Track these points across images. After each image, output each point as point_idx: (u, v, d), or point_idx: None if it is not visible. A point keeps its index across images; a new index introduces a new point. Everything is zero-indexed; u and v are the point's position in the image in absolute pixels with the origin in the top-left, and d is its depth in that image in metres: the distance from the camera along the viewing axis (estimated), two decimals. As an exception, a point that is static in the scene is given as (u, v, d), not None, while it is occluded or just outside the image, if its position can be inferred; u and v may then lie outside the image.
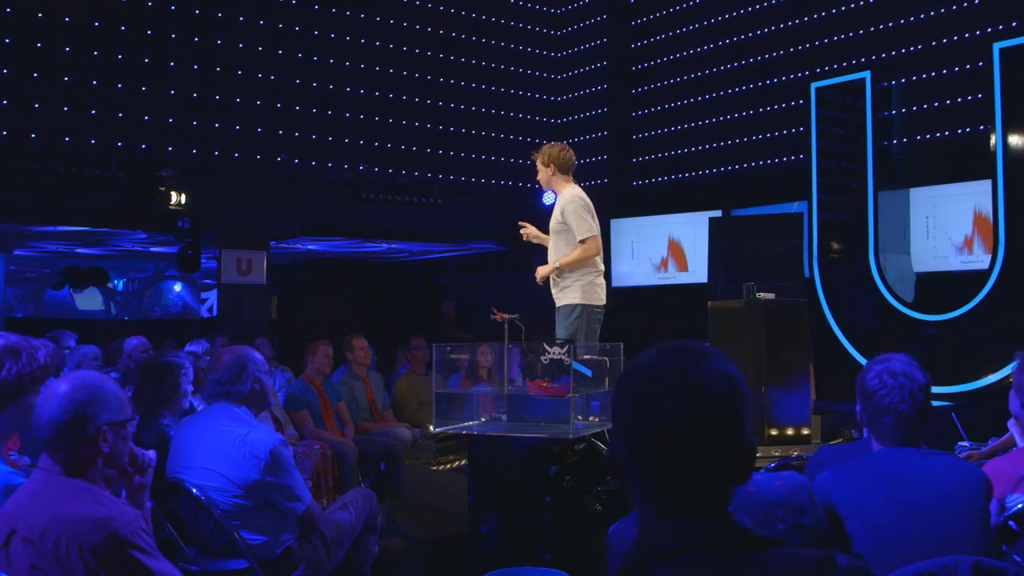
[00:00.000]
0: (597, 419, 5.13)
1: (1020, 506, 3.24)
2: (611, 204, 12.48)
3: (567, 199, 5.67)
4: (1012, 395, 3.49)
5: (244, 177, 10.32)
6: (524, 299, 13.72)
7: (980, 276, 8.36)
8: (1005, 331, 7.97)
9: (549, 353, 4.75)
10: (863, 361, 9.05)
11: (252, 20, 10.51)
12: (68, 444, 2.38)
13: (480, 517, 4.74)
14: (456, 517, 5.38)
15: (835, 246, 9.50)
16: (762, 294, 6.17)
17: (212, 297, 16.85)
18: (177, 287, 19.52)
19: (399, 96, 11.67)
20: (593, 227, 5.63)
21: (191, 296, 19.36)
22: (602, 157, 12.87)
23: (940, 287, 9.10)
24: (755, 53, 11.05)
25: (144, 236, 11.44)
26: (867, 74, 9.20)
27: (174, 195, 9.42)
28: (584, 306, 5.58)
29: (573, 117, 13.24)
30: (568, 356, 4.73)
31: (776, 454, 5.76)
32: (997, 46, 8.06)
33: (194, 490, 3.58)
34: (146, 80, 9.69)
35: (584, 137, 13.07)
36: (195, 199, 9.68)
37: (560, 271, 5.63)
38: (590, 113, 13.06)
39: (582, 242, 5.56)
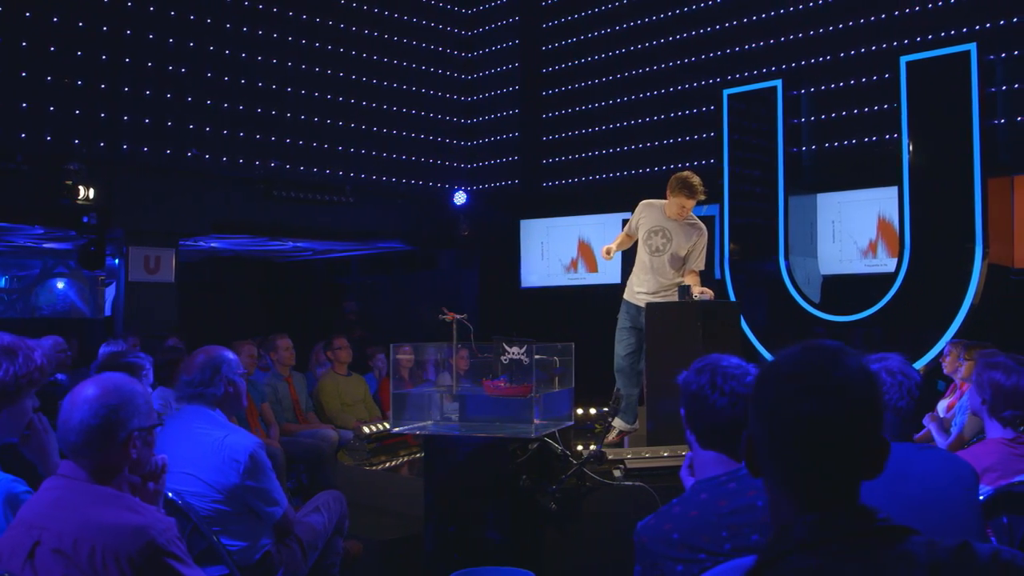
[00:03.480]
0: (540, 421, 5.18)
1: (982, 498, 3.44)
2: (521, 205, 12.59)
3: (703, 232, 6.16)
4: (972, 391, 3.68)
5: (153, 172, 10.00)
6: (429, 299, 13.78)
7: (884, 279, 8.77)
8: (910, 329, 8.38)
9: (508, 353, 4.78)
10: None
11: (162, 11, 10.20)
12: (97, 450, 2.28)
13: (437, 517, 4.73)
14: (403, 518, 5.36)
15: (745, 248, 9.80)
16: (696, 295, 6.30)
17: (108, 295, 16.23)
18: (60, 284, 18.74)
19: (311, 93, 11.52)
20: None
21: (76, 294, 18.61)
22: (513, 158, 12.96)
23: (845, 289, 9.49)
24: (667, 59, 11.29)
25: (41, 231, 10.95)
26: (779, 82, 9.53)
27: (82, 189, 9.05)
28: None
29: (484, 117, 13.30)
30: (527, 356, 4.77)
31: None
32: (904, 59, 8.46)
33: (170, 494, 3.47)
34: (52, 70, 9.29)
35: (495, 138, 13.14)
36: (103, 194, 9.33)
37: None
38: (501, 114, 13.14)
39: (699, 271, 6.18)
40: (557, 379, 5.28)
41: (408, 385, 5.99)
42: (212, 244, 12.76)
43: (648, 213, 6.20)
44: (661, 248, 6.09)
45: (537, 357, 5.14)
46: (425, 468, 4.84)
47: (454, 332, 5.26)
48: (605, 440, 5.42)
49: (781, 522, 1.48)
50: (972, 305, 8.01)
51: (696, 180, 5.96)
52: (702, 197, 6.00)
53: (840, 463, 1.45)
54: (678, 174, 6.03)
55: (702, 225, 6.18)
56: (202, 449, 3.52)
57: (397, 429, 4.98)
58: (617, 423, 6.13)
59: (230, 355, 3.75)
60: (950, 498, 2.73)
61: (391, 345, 5.08)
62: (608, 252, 6.26)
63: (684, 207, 5.97)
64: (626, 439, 6.30)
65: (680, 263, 6.12)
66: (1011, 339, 7.07)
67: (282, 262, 16.00)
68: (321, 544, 3.89)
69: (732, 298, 9.60)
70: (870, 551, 1.40)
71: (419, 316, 13.58)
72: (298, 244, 13.31)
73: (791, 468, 1.47)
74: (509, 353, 4.77)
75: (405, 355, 8.20)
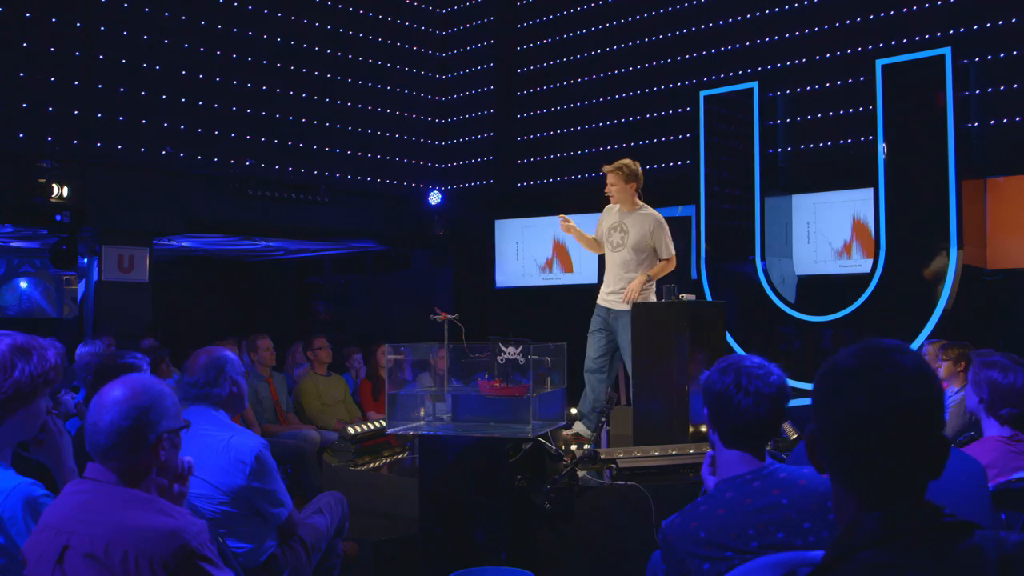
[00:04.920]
0: (537, 420, 5.19)
1: (982, 494, 3.50)
2: (496, 205, 12.58)
3: (656, 219, 6.19)
4: (968, 390, 3.74)
5: (128, 170, 9.88)
6: (403, 299, 13.70)
7: (858, 279, 8.86)
8: (885, 330, 8.48)
9: (505, 353, 4.78)
10: (748, 360, 9.52)
11: (137, 7, 10.07)
12: (127, 452, 2.25)
13: (432, 517, 4.72)
14: (395, 519, 5.33)
15: (721, 249, 9.86)
16: (684, 295, 6.34)
17: (79, 295, 16.00)
18: (24, 284, 18.45)
19: (287, 91, 11.44)
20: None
21: (41, 294, 18.33)
22: (488, 158, 12.95)
23: (820, 289, 9.59)
24: (644, 60, 11.33)
25: (10, 230, 10.77)
26: (755, 84, 9.60)
27: (55, 187, 8.92)
28: None
29: (459, 117, 13.27)
30: (523, 356, 4.77)
31: (691, 452, 5.90)
32: (879, 62, 8.56)
33: (175, 497, 3.44)
34: (25, 66, 9.15)
35: (470, 138, 13.12)
36: (76, 192, 9.20)
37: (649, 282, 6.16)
38: (476, 114, 13.12)
39: (667, 259, 6.25)
40: (548, 379, 5.29)
41: (394, 386, 5.98)
42: (183, 243, 12.64)
43: (607, 216, 6.41)
44: (621, 242, 6.24)
45: (531, 357, 5.16)
46: (420, 469, 4.83)
47: (445, 332, 5.26)
48: (563, 435, 5.55)
49: (846, 518, 1.50)
50: (946, 306, 8.12)
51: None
52: (605, 169, 6.23)
53: (895, 460, 1.47)
54: None
55: (655, 212, 6.30)
56: (207, 450, 3.48)
57: (392, 430, 4.97)
58: (578, 426, 6.23)
59: (232, 355, 3.72)
60: (963, 494, 2.78)
61: (386, 345, 5.03)
62: (566, 220, 6.34)
63: (609, 186, 6.21)
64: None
65: (642, 255, 6.21)
66: (984, 340, 7.18)
67: (254, 262, 15.88)
68: (324, 546, 3.88)
69: (709, 298, 9.67)
70: (940, 546, 1.42)
71: (393, 316, 13.55)
72: (270, 244, 13.22)
73: (849, 464, 1.50)
74: (505, 353, 4.77)
75: (399, 356, 8.20)
